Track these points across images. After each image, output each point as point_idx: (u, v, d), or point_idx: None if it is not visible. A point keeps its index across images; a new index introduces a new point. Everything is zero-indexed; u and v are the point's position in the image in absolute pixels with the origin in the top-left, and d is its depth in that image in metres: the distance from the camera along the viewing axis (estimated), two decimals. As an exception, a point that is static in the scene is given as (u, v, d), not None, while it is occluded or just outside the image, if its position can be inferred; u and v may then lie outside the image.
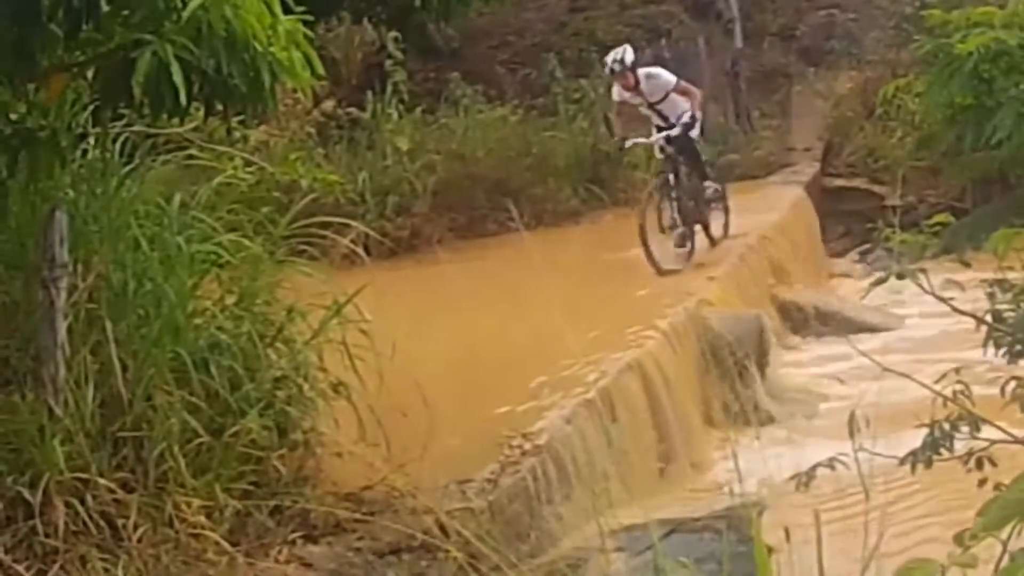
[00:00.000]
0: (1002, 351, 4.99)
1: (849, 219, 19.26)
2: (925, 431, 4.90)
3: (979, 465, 4.82)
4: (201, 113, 7.13)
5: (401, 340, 8.19)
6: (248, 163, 10.18)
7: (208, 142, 9.44)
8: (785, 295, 15.02)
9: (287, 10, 6.68)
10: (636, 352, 10.70)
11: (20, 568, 6.44)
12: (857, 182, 20.16)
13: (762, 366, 12.22)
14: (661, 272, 13.49)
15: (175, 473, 7.00)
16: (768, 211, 17.23)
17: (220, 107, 6.74)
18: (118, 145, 8.00)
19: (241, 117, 7.24)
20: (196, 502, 6.96)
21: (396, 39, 18.20)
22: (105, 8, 6.40)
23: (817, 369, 13.26)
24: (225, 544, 6.89)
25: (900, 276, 4.69)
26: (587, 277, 13.66)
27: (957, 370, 4.94)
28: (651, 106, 14.64)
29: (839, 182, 20.36)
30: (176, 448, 7.03)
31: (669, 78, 14.68)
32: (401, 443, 7.86)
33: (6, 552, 6.49)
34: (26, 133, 7.03)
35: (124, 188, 7.87)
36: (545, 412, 9.16)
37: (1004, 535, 2.73)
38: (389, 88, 17.88)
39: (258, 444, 7.39)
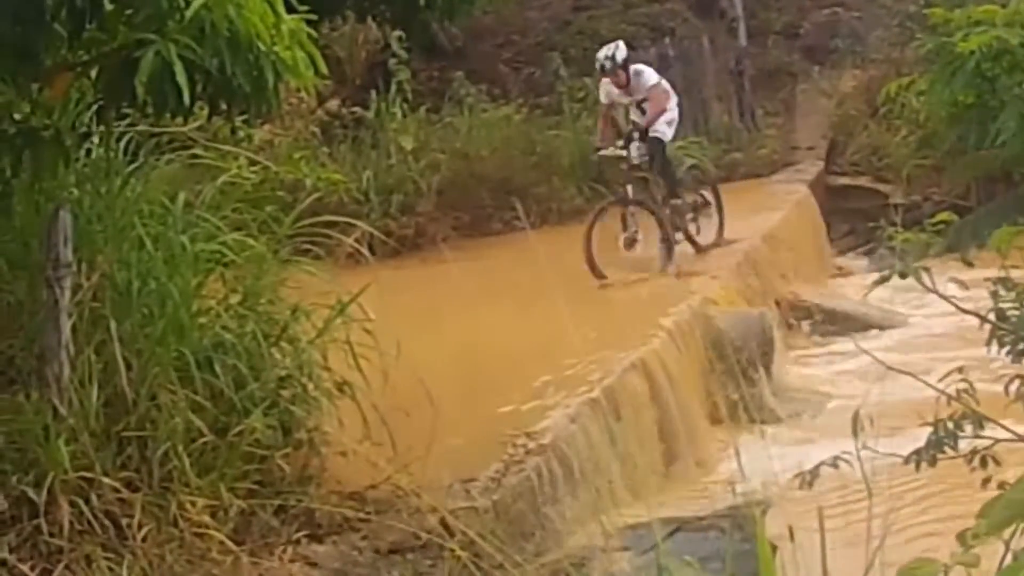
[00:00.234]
0: (1006, 349, 4.99)
1: (853, 217, 19.22)
2: (929, 430, 4.90)
3: (983, 464, 4.82)
4: (205, 112, 7.13)
5: (405, 339, 8.19)
6: (252, 162, 10.21)
7: (212, 141, 9.45)
8: (790, 294, 15.01)
9: (291, 9, 6.68)
10: (641, 351, 10.69)
11: (25, 567, 6.45)
12: (861, 180, 20.14)
13: (767, 365, 12.21)
14: (600, 276, 13.39)
15: (179, 472, 7.01)
16: (772, 210, 17.22)
17: (224, 106, 6.74)
18: (122, 144, 8.01)
19: (245, 116, 7.24)
20: (200, 501, 6.96)
21: (400, 38, 18.18)
22: (108, 7, 6.41)
23: (821, 368, 13.26)
24: (229, 543, 6.90)
25: (903, 275, 4.69)
26: (591, 276, 13.63)
27: (961, 369, 4.94)
28: (639, 105, 14.43)
29: (843, 180, 20.33)
30: (180, 447, 7.04)
31: (650, 78, 14.49)
32: (405, 442, 7.86)
33: (11, 551, 6.49)
34: (30, 132, 7.03)
35: (128, 187, 7.88)
36: (549, 411, 9.16)
37: (1007, 535, 2.73)
38: (393, 87, 17.89)
39: (262, 443, 7.40)
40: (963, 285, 5.03)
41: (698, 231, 14.79)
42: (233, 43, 6.28)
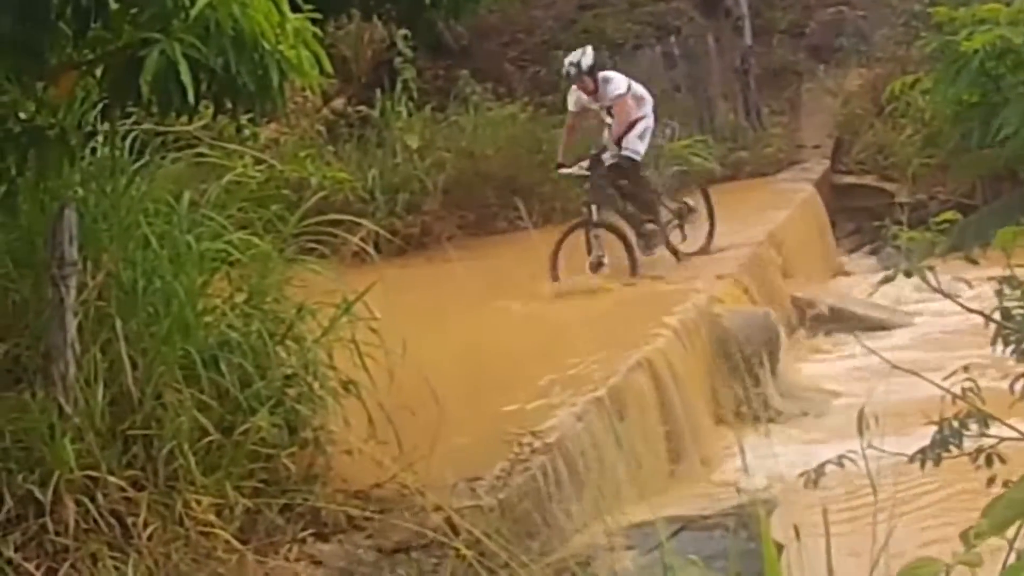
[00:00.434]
0: (1010, 348, 4.98)
1: (859, 216, 19.23)
2: (934, 428, 4.90)
3: (988, 462, 4.81)
4: (210, 111, 7.14)
5: (411, 338, 8.19)
6: (258, 161, 10.22)
7: (217, 140, 9.45)
8: (795, 292, 15.00)
9: (296, 8, 6.69)
10: (646, 349, 10.69)
11: (30, 566, 6.45)
12: (867, 179, 20.15)
13: (772, 363, 12.20)
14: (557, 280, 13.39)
15: (185, 471, 7.01)
16: (778, 209, 17.22)
17: (229, 105, 6.74)
18: (127, 143, 8.01)
19: (250, 115, 7.23)
20: (206, 500, 6.96)
21: (406, 37, 18.18)
22: (113, 6, 6.42)
23: (827, 367, 13.25)
24: (235, 542, 6.90)
25: (908, 274, 4.69)
26: (594, 276, 13.64)
27: (966, 367, 4.93)
28: (609, 111, 14.15)
29: (849, 179, 20.34)
30: (186, 446, 7.04)
31: (618, 87, 14.14)
32: (411, 441, 7.86)
33: (16, 550, 6.50)
34: (35, 131, 7.04)
35: (133, 186, 7.88)
36: (555, 410, 9.15)
37: (1010, 534, 2.72)
38: (399, 86, 17.88)
39: (268, 442, 7.40)
40: (968, 284, 5.03)
41: (683, 238, 14.56)
42: (238, 42, 6.29)
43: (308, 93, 14.77)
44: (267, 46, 6.38)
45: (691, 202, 14.84)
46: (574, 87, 14.28)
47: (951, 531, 2.85)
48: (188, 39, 6.18)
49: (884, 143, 20.12)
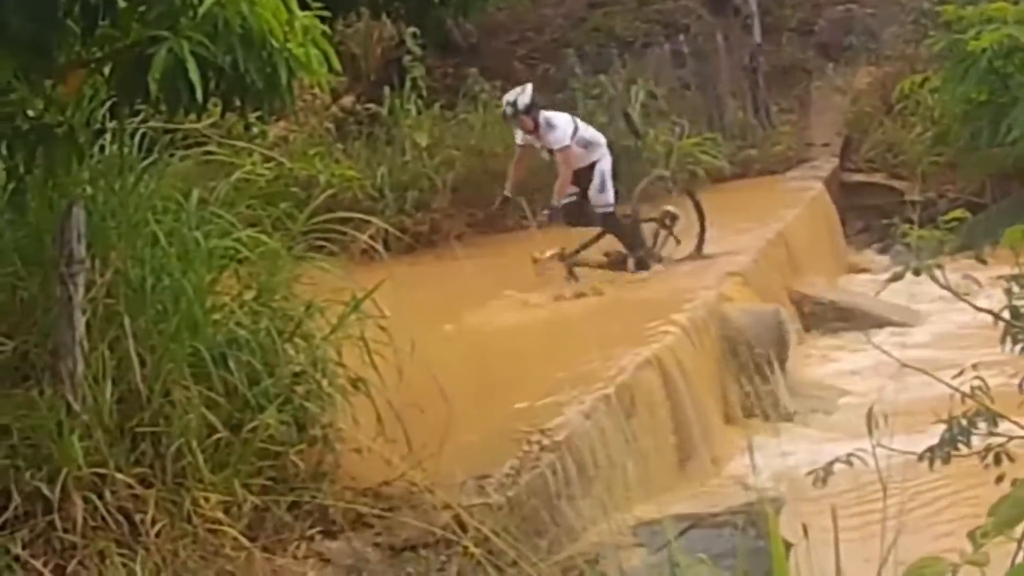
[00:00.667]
0: (1020, 347, 4.97)
1: (869, 214, 19.17)
2: (943, 427, 4.89)
3: (997, 461, 4.81)
4: (219, 109, 7.14)
5: (419, 336, 8.19)
6: (266, 159, 10.24)
7: (226, 138, 9.46)
8: (805, 290, 14.97)
9: (304, 6, 6.69)
10: (655, 347, 10.68)
11: (38, 563, 6.46)
12: (876, 177, 20.09)
13: (782, 361, 12.17)
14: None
15: (193, 468, 7.01)
16: (787, 207, 17.19)
17: (237, 103, 6.75)
18: (136, 141, 8.02)
19: (259, 113, 7.24)
20: (214, 497, 6.96)
21: (415, 35, 18.17)
22: (122, 4, 6.43)
23: (836, 364, 13.23)
24: (243, 539, 6.90)
25: (917, 272, 4.68)
26: (605, 273, 13.63)
27: (975, 366, 4.93)
28: (551, 153, 13.63)
29: (858, 177, 20.28)
30: (194, 443, 7.05)
31: (561, 137, 13.49)
32: (419, 439, 7.85)
33: (24, 547, 6.51)
34: (44, 129, 7.04)
35: (142, 184, 7.89)
36: (564, 408, 9.14)
37: (1018, 533, 2.72)
38: (408, 84, 17.86)
39: (276, 440, 7.40)
40: (976, 282, 5.03)
41: (663, 245, 14.24)
42: (246, 40, 6.30)
43: (317, 91, 14.77)
44: (275, 44, 6.39)
45: (673, 209, 14.39)
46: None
47: (962, 528, 2.84)
48: (196, 37, 6.20)
49: (893, 141, 20.07)
